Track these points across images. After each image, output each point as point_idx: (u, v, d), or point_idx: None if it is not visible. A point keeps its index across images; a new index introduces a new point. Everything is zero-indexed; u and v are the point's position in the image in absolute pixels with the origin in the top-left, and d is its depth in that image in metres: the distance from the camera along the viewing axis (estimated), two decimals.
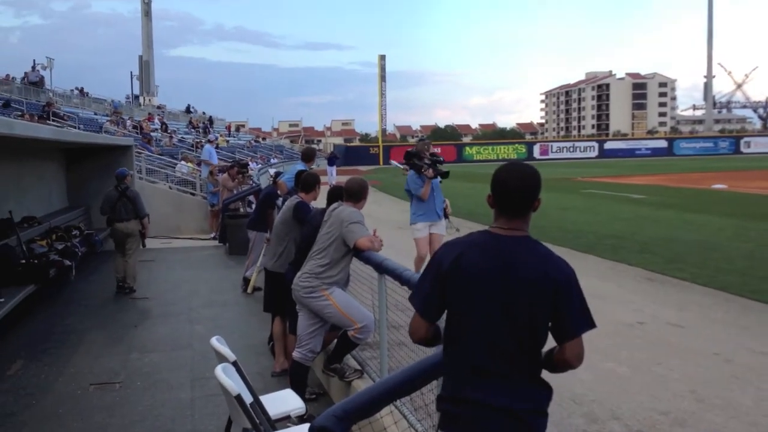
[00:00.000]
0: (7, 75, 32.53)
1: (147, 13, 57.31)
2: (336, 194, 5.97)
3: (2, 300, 8.07)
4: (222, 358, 4.33)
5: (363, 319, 5.40)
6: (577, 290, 2.58)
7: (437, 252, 2.77)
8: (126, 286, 10.78)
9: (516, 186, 2.65)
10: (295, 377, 5.50)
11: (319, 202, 6.56)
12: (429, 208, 8.70)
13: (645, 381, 5.86)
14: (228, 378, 3.86)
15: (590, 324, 2.59)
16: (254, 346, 7.53)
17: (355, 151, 75.70)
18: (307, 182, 6.80)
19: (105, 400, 6.08)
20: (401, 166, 18.67)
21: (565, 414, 5.13)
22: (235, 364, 4.27)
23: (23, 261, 9.37)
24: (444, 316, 2.78)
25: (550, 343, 2.63)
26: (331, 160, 35.70)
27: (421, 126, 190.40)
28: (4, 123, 8.63)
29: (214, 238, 16.73)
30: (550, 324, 2.58)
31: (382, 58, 77.13)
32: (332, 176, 30.51)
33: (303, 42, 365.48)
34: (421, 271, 2.94)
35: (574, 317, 2.56)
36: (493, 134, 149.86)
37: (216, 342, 4.54)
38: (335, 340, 5.90)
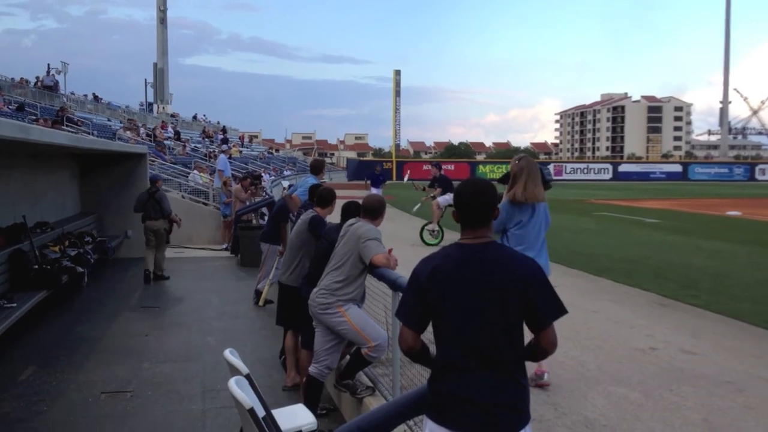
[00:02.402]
0: (22, 78, 32.79)
1: (162, 20, 57.69)
2: (350, 210, 5.98)
3: (15, 305, 8.13)
4: (235, 371, 4.33)
5: (377, 337, 5.40)
6: (544, 283, 2.87)
7: (416, 268, 3.03)
8: (158, 274, 12.59)
9: (475, 201, 2.96)
10: (309, 392, 5.49)
11: (333, 217, 6.57)
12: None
13: (657, 407, 5.81)
14: (241, 391, 3.86)
15: (561, 311, 2.87)
16: (265, 360, 7.53)
17: (368, 166, 75.75)
18: (323, 197, 6.81)
19: (116, 409, 6.09)
20: (418, 185, 18.61)
21: None
22: (248, 377, 4.27)
23: (36, 266, 9.43)
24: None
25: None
26: (375, 180, 26.10)
27: (435, 142, 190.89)
28: (21, 128, 8.68)
29: (226, 249, 16.78)
30: (524, 318, 2.84)
31: (398, 73, 77.28)
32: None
33: (318, 54, 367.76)
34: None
35: (545, 308, 2.84)
36: (507, 153, 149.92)
37: (229, 354, 4.54)
38: (348, 356, 5.90)
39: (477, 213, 2.96)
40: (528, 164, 6.14)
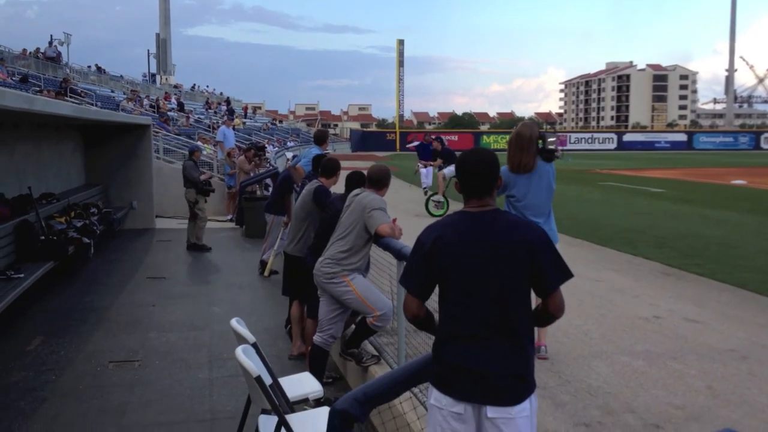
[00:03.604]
0: (24, 50, 32.64)
1: None
2: (355, 180, 5.97)
3: (22, 275, 8.19)
4: (242, 340, 4.37)
5: (382, 307, 5.43)
6: (550, 247, 2.88)
7: (420, 236, 3.03)
8: (192, 243, 12.83)
9: (479, 171, 2.97)
10: (315, 361, 5.54)
11: (338, 188, 6.57)
12: None
13: (661, 375, 5.85)
14: (248, 359, 3.90)
15: (567, 275, 2.90)
16: (271, 329, 7.59)
17: (372, 137, 75.65)
18: (327, 167, 6.80)
19: (124, 378, 6.15)
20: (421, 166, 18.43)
21: (580, 406, 5.14)
22: (254, 345, 4.31)
23: (42, 237, 9.47)
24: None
25: None
26: (425, 153, 18.98)
27: (439, 113, 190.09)
28: (25, 99, 8.67)
29: (230, 220, 16.82)
30: (530, 284, 2.86)
31: (401, 42, 76.68)
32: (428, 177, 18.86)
33: (321, 24, 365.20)
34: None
35: (552, 272, 2.86)
36: (511, 123, 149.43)
37: (236, 323, 4.58)
38: (353, 325, 5.94)
39: (480, 182, 2.96)
40: (517, 134, 6.07)
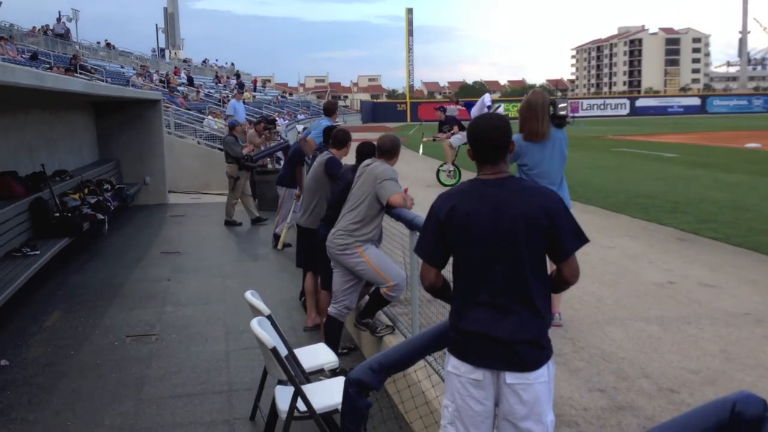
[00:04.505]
0: (33, 27, 32.60)
1: None
2: (365, 151, 5.96)
3: (38, 252, 8.25)
4: (257, 312, 4.40)
5: (396, 277, 5.44)
6: (566, 213, 2.87)
7: (434, 204, 3.02)
8: (226, 221, 12.90)
9: (491, 137, 2.94)
10: (330, 332, 5.57)
11: (349, 159, 6.56)
12: None
13: (675, 340, 5.84)
14: (264, 331, 3.93)
15: (583, 240, 2.89)
16: (285, 301, 7.63)
17: (383, 108, 75.33)
18: (338, 138, 6.79)
19: (141, 352, 6.21)
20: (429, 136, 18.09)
21: (594, 371, 5.15)
22: (269, 317, 4.34)
23: (57, 214, 9.52)
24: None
25: None
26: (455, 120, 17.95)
27: (449, 82, 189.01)
28: (36, 75, 8.68)
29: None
30: (546, 249, 2.86)
31: (410, 11, 76.06)
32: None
33: None
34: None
35: (567, 238, 2.84)
36: (522, 91, 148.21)
37: (250, 296, 4.61)
38: (367, 296, 5.97)
39: (493, 148, 2.93)
40: (528, 102, 6.01)
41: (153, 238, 11.93)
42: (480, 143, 2.96)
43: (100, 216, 10.45)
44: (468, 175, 16.21)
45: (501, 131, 2.95)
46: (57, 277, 8.89)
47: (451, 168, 17.00)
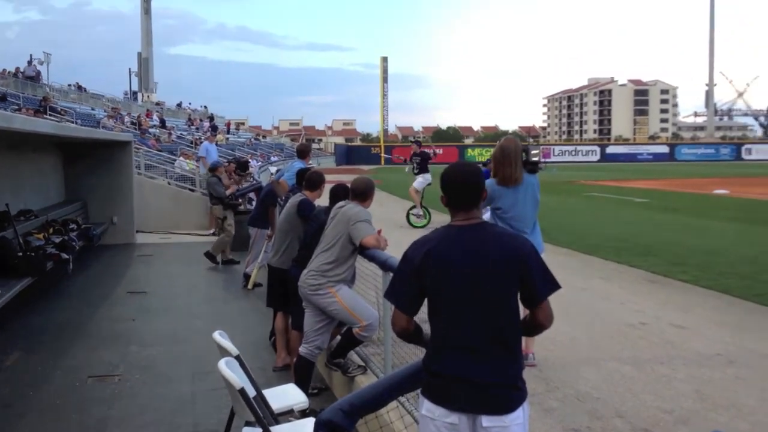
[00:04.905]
0: (4, 69, 32.42)
1: (147, 10, 57.41)
2: (339, 193, 5.94)
3: None
4: (225, 353, 4.28)
5: (369, 317, 5.38)
6: (538, 259, 2.90)
7: (407, 251, 3.01)
8: (207, 252, 12.58)
9: (465, 185, 2.98)
10: (300, 372, 5.46)
11: (322, 201, 6.51)
12: None
13: (648, 380, 5.81)
14: (231, 372, 3.82)
15: (555, 286, 2.91)
16: (255, 342, 7.48)
17: (357, 151, 75.80)
18: (311, 180, 6.78)
19: (104, 393, 6.02)
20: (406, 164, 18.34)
21: (568, 411, 5.08)
22: (238, 358, 4.22)
23: (20, 254, 9.30)
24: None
25: None
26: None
27: (423, 127, 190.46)
28: (3, 117, 8.59)
29: (213, 234, 16.66)
30: (519, 294, 2.88)
31: (385, 60, 77.28)
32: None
33: (305, 42, 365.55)
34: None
35: (540, 284, 2.86)
36: (495, 136, 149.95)
37: (218, 336, 4.49)
38: (339, 336, 5.87)
39: (466, 196, 2.97)
40: (501, 148, 6.10)
41: (119, 277, 11.72)
42: (453, 190, 2.99)
43: (65, 255, 10.22)
44: (438, 216, 16.24)
45: (473, 178, 3.00)
46: (19, 317, 8.65)
47: (421, 211, 17.07)
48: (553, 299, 2.89)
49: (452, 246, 2.89)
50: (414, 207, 17.34)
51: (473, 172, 3.03)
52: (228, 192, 13.11)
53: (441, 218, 15.33)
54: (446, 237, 2.94)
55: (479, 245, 2.87)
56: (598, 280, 10.11)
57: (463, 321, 2.84)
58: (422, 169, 17.15)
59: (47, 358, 7.00)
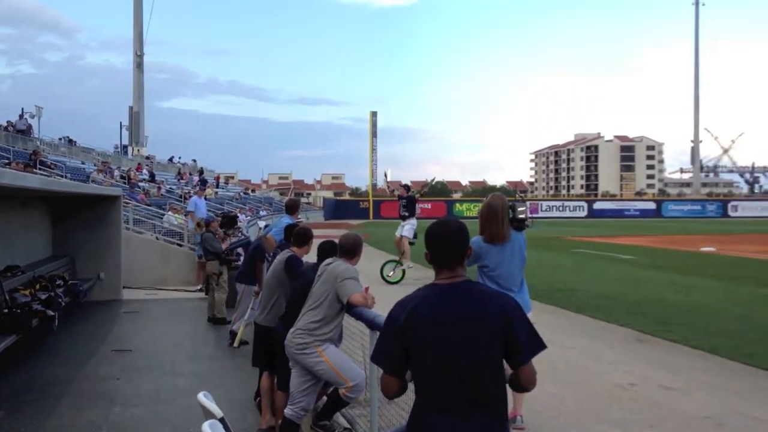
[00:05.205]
0: None
1: (139, 65, 57.70)
2: (326, 249, 5.94)
3: None
4: (209, 414, 4.21)
5: (355, 377, 5.33)
6: (524, 319, 2.87)
7: (391, 312, 2.99)
8: (214, 316, 12.28)
9: (449, 242, 2.97)
10: None
11: (310, 257, 6.50)
12: None
13: None
14: None
15: (541, 346, 2.89)
16: (240, 402, 7.38)
17: (345, 205, 75.94)
18: (299, 236, 6.77)
19: None
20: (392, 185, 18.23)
21: None
22: (222, 420, 4.16)
23: (6, 310, 9.22)
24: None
25: None
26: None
27: (412, 181, 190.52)
28: None
29: (200, 290, 16.56)
30: (504, 354, 2.85)
31: (374, 114, 77.96)
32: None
33: (296, 96, 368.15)
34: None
35: (526, 343, 2.84)
36: (483, 191, 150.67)
37: (203, 397, 4.42)
38: (325, 397, 5.81)
39: (450, 254, 2.96)
40: (488, 205, 6.10)
41: (104, 334, 11.58)
42: (437, 248, 2.98)
43: (51, 312, 10.13)
44: (418, 272, 16.19)
45: (457, 236, 2.99)
46: (2, 374, 8.52)
47: (411, 265, 16.86)
48: (542, 359, 2.88)
49: (436, 306, 2.86)
50: (402, 259, 17.10)
51: (457, 229, 3.01)
52: (223, 247, 13.05)
53: (421, 273, 15.29)
54: (430, 296, 2.91)
55: (463, 305, 2.84)
56: (586, 339, 10.09)
57: (447, 382, 2.79)
58: (410, 212, 17.08)
59: (31, 418, 6.86)
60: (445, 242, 2.97)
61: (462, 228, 3.03)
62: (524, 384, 2.90)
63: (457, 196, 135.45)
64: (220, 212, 23.20)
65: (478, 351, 2.78)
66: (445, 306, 2.85)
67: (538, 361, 2.88)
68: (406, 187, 19.02)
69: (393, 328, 2.92)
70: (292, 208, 10.12)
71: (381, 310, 4.88)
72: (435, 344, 2.81)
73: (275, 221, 12.79)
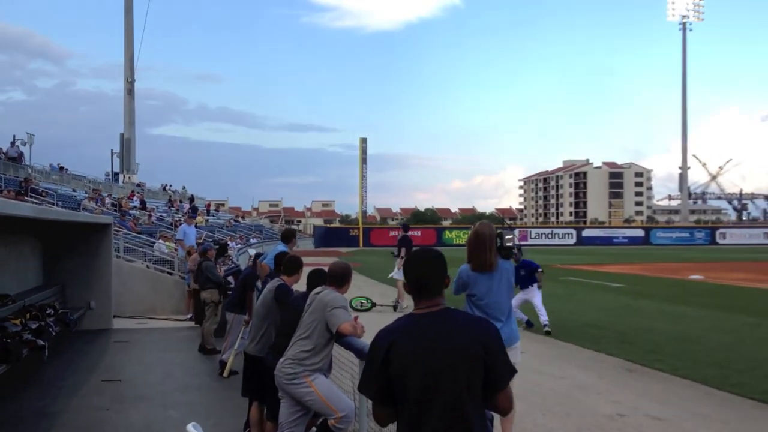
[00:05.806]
0: None
1: (130, 91, 57.82)
2: (316, 278, 5.96)
3: None
4: None
5: (345, 408, 5.34)
6: (501, 347, 2.93)
7: (373, 342, 3.02)
8: (203, 347, 12.15)
9: (427, 272, 3.01)
10: None
11: (300, 285, 6.53)
12: None
13: None
14: None
15: (513, 371, 2.95)
16: None
17: (336, 233, 75.92)
18: (289, 265, 6.80)
19: None
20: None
21: None
22: None
23: None
24: None
25: None
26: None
27: (402, 208, 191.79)
28: None
29: (190, 319, 16.53)
30: (483, 380, 2.87)
31: (364, 141, 78.41)
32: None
33: (286, 123, 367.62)
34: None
35: (502, 370, 2.90)
36: (472, 218, 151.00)
37: (192, 429, 4.45)
38: (314, 428, 5.81)
39: (427, 283, 2.99)
40: (476, 233, 6.10)
41: (94, 364, 11.54)
42: (414, 277, 3.02)
43: (41, 342, 10.11)
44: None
45: (434, 265, 3.03)
46: None
47: (404, 305, 16.77)
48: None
49: (415, 335, 2.89)
50: (398, 300, 17.12)
51: (434, 258, 3.05)
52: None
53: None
54: (408, 327, 2.94)
55: (442, 334, 2.86)
56: (575, 369, 10.11)
57: (428, 410, 2.82)
58: (401, 252, 17.12)
59: None
60: (422, 272, 3.01)
61: (439, 257, 3.07)
62: (502, 408, 2.94)
63: (446, 223, 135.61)
64: (210, 240, 23.20)
65: (457, 378, 2.81)
66: (423, 336, 2.88)
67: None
68: (405, 227, 18.85)
69: (375, 359, 2.95)
70: (287, 237, 10.15)
71: (370, 339, 4.93)
72: (415, 375, 2.84)
73: (271, 249, 12.80)
